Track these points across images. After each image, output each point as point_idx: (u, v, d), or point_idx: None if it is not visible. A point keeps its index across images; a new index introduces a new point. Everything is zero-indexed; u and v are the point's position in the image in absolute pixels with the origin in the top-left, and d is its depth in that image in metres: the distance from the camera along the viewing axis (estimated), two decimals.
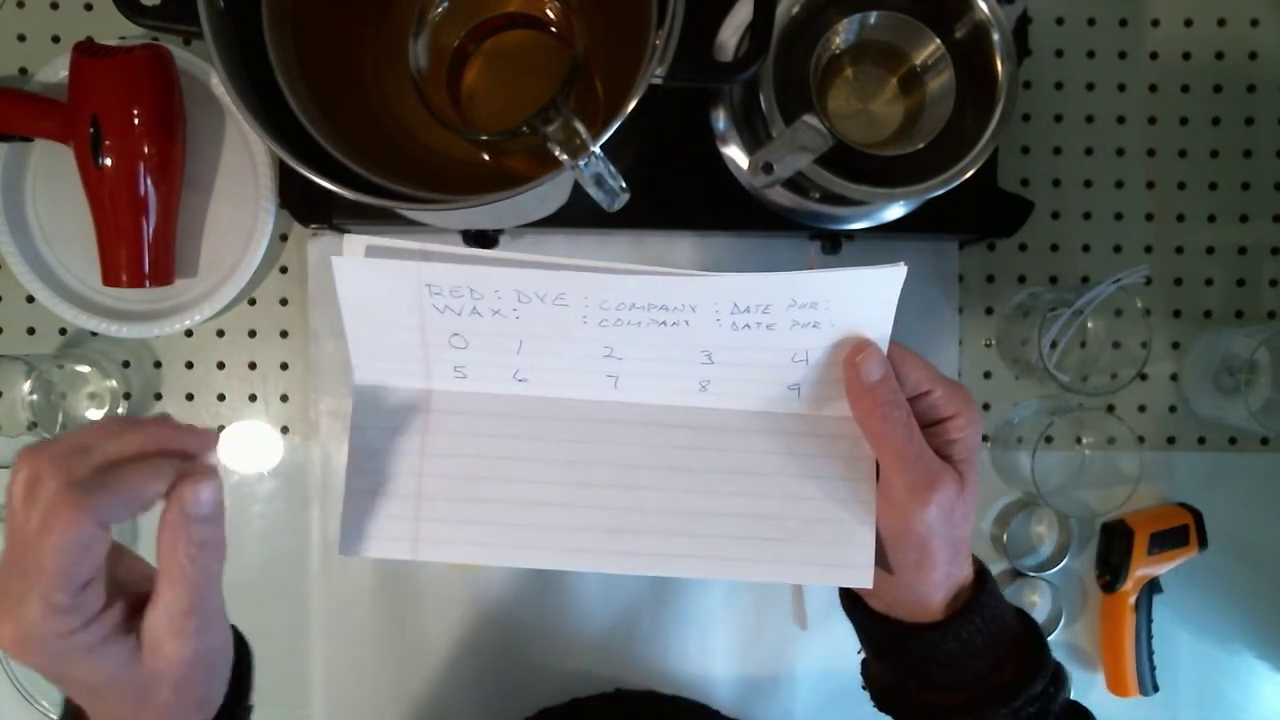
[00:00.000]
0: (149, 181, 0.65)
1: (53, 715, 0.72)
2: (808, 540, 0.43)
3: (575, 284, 0.39)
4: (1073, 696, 0.70)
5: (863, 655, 0.49)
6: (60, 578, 0.33)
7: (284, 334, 0.73)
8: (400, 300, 0.40)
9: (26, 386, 0.69)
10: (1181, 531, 0.70)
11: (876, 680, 0.49)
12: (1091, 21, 0.73)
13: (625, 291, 0.39)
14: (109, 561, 0.35)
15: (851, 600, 0.48)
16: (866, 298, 0.41)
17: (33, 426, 0.68)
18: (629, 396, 0.44)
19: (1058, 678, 0.45)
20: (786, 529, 0.43)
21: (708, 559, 0.43)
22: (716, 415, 0.44)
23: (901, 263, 0.39)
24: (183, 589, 0.36)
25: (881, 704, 0.48)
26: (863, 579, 0.43)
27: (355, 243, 0.39)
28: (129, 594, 0.37)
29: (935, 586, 0.43)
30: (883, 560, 0.44)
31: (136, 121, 0.64)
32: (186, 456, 0.37)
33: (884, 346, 0.42)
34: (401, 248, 0.39)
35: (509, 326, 0.41)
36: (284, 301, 0.73)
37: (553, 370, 0.43)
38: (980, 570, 0.46)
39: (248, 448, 0.73)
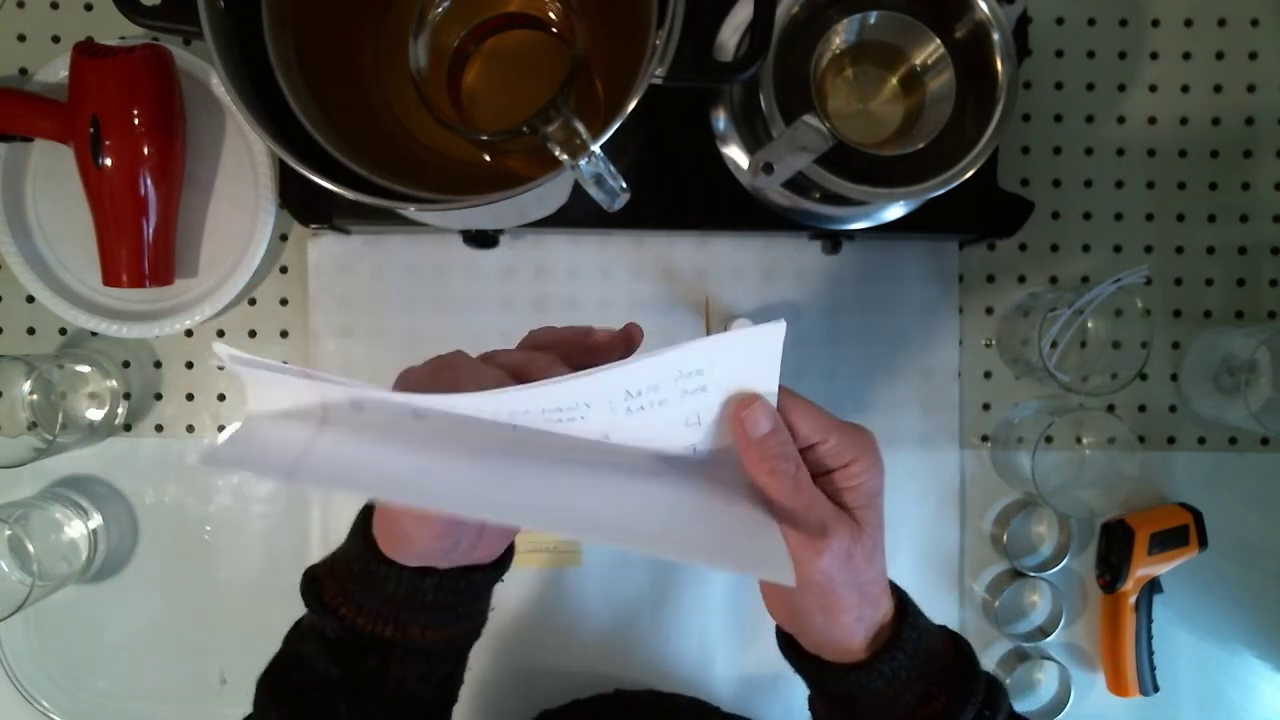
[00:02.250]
0: (149, 181, 0.65)
1: (53, 715, 0.72)
2: (725, 533, 0.42)
3: (466, 404, 0.39)
4: (1072, 697, 0.71)
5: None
6: None
7: (284, 334, 0.73)
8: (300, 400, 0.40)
9: (26, 386, 0.69)
10: (1181, 531, 0.70)
11: (819, 718, 0.49)
12: (1091, 21, 0.73)
13: (517, 404, 0.39)
14: None
15: (785, 640, 0.48)
16: (749, 356, 0.40)
17: (33, 426, 0.68)
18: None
19: (992, 700, 0.44)
20: (703, 529, 0.42)
21: (629, 533, 0.40)
22: (616, 454, 0.43)
23: (782, 320, 0.39)
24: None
25: None
26: (785, 577, 0.41)
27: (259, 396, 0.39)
28: None
29: (849, 630, 0.43)
30: (793, 606, 0.44)
31: (136, 121, 0.64)
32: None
33: (773, 400, 0.42)
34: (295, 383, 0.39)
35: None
36: (284, 301, 0.73)
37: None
38: (901, 604, 0.45)
39: None
